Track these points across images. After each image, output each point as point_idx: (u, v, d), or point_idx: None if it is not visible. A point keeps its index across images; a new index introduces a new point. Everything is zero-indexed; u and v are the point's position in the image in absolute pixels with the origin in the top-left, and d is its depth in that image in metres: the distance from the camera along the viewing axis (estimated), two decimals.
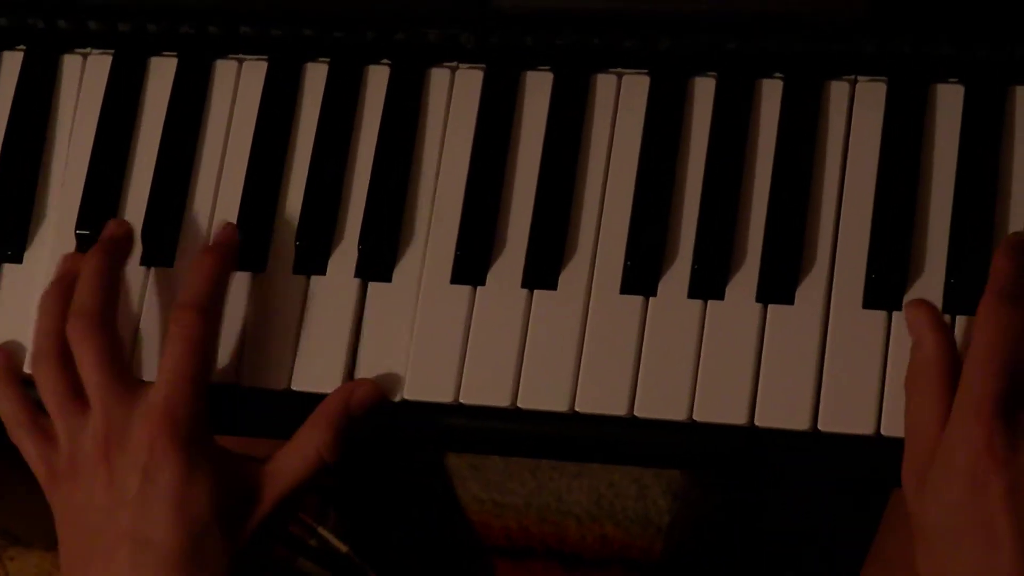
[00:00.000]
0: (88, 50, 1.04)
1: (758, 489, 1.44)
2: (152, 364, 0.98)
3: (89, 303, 0.95)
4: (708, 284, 0.94)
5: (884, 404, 0.90)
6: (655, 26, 0.97)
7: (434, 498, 1.49)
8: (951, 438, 0.84)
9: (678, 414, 0.93)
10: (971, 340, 0.86)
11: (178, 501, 0.91)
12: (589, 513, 1.48)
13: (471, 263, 0.96)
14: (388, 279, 0.98)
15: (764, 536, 1.44)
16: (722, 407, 0.92)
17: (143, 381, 0.95)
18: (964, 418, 0.83)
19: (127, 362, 0.97)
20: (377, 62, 1.01)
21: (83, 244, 1.01)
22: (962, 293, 0.90)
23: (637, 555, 1.47)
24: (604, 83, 0.98)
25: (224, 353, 0.97)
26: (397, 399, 0.96)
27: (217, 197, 1.01)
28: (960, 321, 0.91)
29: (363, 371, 0.97)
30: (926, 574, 0.85)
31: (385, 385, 0.96)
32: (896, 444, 0.89)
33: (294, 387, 0.97)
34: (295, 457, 0.94)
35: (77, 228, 1.01)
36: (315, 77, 1.01)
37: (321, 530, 1.19)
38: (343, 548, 1.19)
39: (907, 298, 0.91)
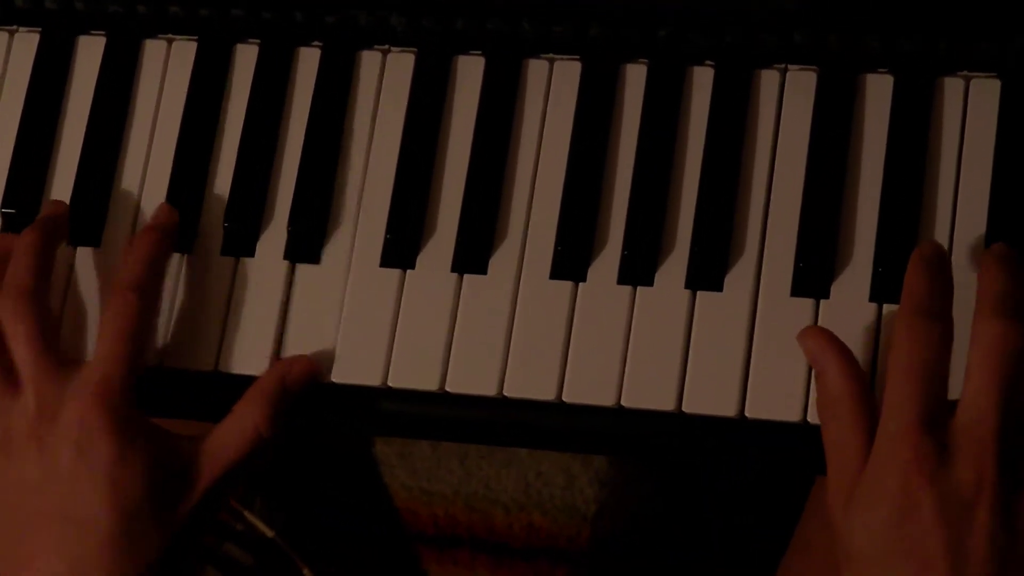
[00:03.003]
0: (15, 28, 1.03)
1: (685, 479, 1.45)
2: (76, 343, 0.97)
3: (21, 280, 0.94)
4: (637, 270, 0.94)
5: (811, 391, 0.91)
6: (586, 13, 0.97)
7: (361, 485, 1.49)
8: (877, 461, 0.83)
9: (606, 400, 0.93)
10: (889, 359, 0.85)
11: (111, 479, 0.91)
12: (517, 502, 1.48)
13: (401, 247, 0.96)
14: (317, 261, 0.97)
15: (690, 526, 1.45)
16: (650, 393, 0.92)
17: (75, 360, 0.94)
18: (890, 439, 0.83)
19: (59, 340, 0.96)
20: (308, 44, 1.00)
21: (8, 224, 1.00)
22: (889, 282, 0.91)
23: (564, 544, 1.47)
24: (536, 68, 0.98)
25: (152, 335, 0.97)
26: (325, 381, 0.95)
27: (145, 177, 1.00)
28: (887, 309, 0.91)
29: (291, 353, 0.96)
30: None
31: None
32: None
33: (222, 368, 0.96)
34: (232, 433, 0.94)
35: (2, 207, 1.00)
36: (245, 58, 1.01)
37: (247, 514, 1.18)
38: (269, 533, 1.19)
39: (835, 288, 0.92)
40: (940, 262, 0.88)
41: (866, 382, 0.87)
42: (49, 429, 0.92)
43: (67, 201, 0.99)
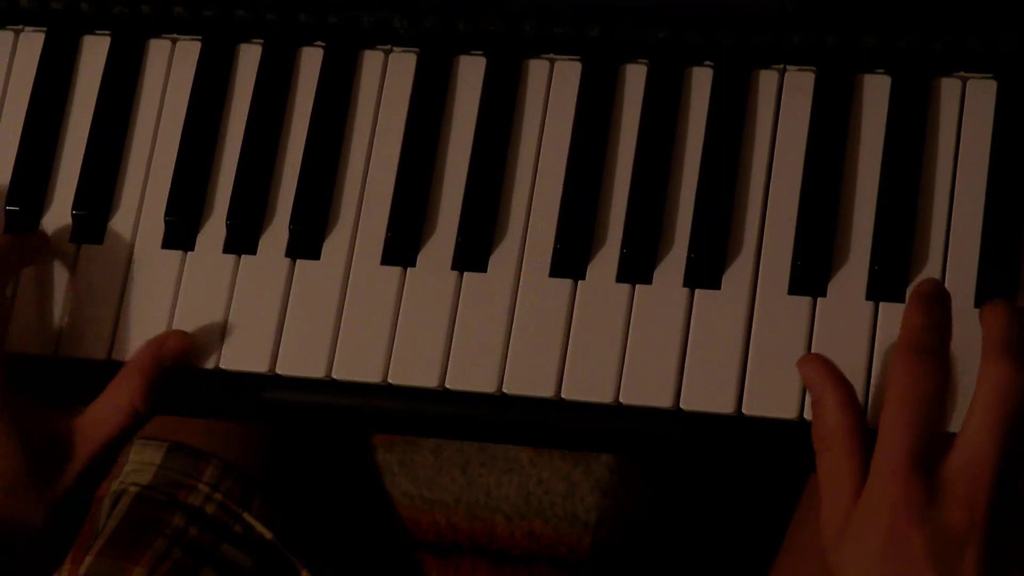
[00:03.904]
0: (20, 27, 1.04)
1: (683, 487, 1.45)
2: (83, 339, 0.98)
3: None
4: (636, 269, 0.94)
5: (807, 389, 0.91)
6: (586, 14, 0.98)
7: (362, 492, 1.50)
8: (870, 496, 0.84)
9: (604, 397, 0.93)
10: (886, 394, 0.85)
11: None
12: (517, 510, 1.48)
13: (401, 244, 0.97)
14: (318, 258, 0.98)
15: (688, 534, 1.45)
16: (648, 390, 0.93)
17: None
18: (882, 476, 0.83)
19: None
20: (311, 44, 1.01)
21: (12, 221, 1.00)
22: (886, 280, 0.92)
23: (565, 552, 1.48)
24: (536, 69, 0.99)
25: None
26: (325, 376, 0.96)
27: (148, 175, 1.01)
28: (883, 308, 0.92)
29: (289, 350, 0.97)
30: None
31: (314, 363, 0.96)
32: None
33: (223, 366, 0.97)
34: (108, 410, 0.95)
35: (7, 205, 1.01)
36: (249, 58, 1.02)
37: (246, 516, 1.19)
38: (268, 535, 1.19)
39: (831, 286, 0.92)
40: (939, 299, 0.88)
41: (861, 415, 0.87)
42: None
43: (70, 200, 1.00)
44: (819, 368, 0.89)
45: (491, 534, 1.49)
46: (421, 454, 1.49)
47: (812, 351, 0.91)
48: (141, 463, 1.19)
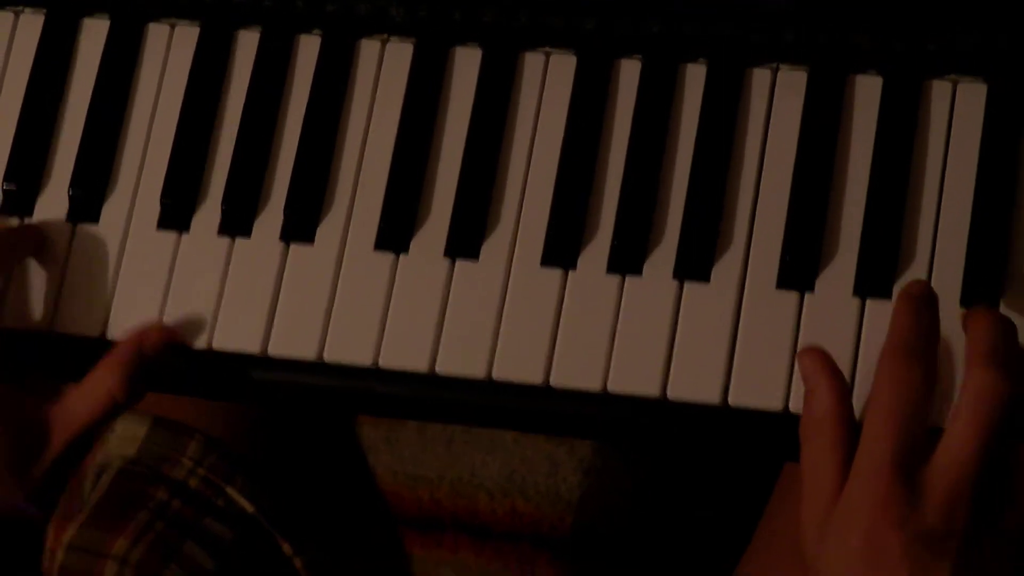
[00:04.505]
0: (20, 8, 1.05)
1: (666, 469, 1.46)
2: (77, 316, 0.99)
3: None
4: (627, 260, 0.96)
5: (793, 381, 0.92)
6: (583, 7, 0.99)
7: (347, 467, 1.51)
8: (851, 495, 0.84)
9: (593, 384, 0.94)
10: (870, 395, 0.86)
11: None
12: (501, 487, 1.49)
13: (395, 231, 0.98)
14: (311, 242, 0.99)
15: (670, 515, 1.46)
16: (635, 379, 0.94)
17: None
18: (864, 476, 0.84)
19: None
20: (309, 32, 1.02)
21: (8, 199, 1.01)
22: (873, 277, 0.93)
23: (547, 530, 1.49)
24: (532, 61, 1.00)
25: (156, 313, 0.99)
26: (316, 358, 0.97)
27: (145, 158, 1.02)
28: (870, 304, 0.93)
29: (281, 331, 0.98)
30: None
31: (306, 345, 0.97)
32: None
33: (215, 347, 0.98)
34: (87, 398, 0.96)
35: (4, 183, 1.01)
36: (247, 44, 1.02)
37: (229, 490, 1.20)
38: (250, 509, 1.20)
39: (820, 282, 0.93)
40: (927, 302, 0.89)
41: (852, 412, 0.88)
42: None
43: (67, 179, 1.01)
44: (817, 360, 0.89)
45: (474, 511, 1.50)
46: (406, 431, 1.50)
47: (799, 345, 0.93)
48: (126, 436, 1.20)
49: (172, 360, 0.98)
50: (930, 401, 0.86)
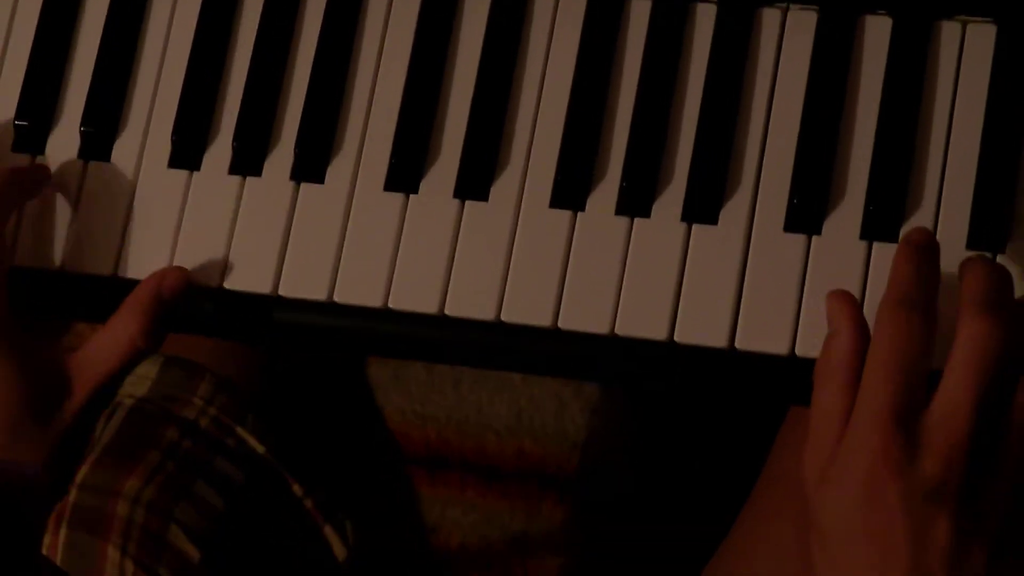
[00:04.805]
0: None
1: (673, 409, 1.47)
2: (88, 254, 1.00)
3: None
4: (635, 202, 0.96)
5: (800, 326, 0.93)
6: None
7: (355, 406, 1.51)
8: (850, 443, 0.85)
9: (600, 327, 0.95)
10: (870, 344, 0.86)
11: None
12: (508, 427, 1.50)
13: (405, 171, 0.98)
14: (322, 182, 0.99)
15: (676, 457, 1.47)
16: (643, 322, 0.94)
17: None
18: (863, 425, 0.84)
19: None
20: None
21: (21, 135, 1.02)
22: (880, 220, 0.93)
23: (553, 470, 1.49)
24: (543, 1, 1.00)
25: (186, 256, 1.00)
26: (326, 299, 0.98)
27: (157, 95, 1.02)
28: (876, 248, 0.93)
29: (292, 272, 0.98)
30: (820, 570, 0.86)
31: (316, 286, 0.98)
32: (808, 364, 0.91)
33: (226, 285, 0.99)
34: (108, 345, 0.96)
35: (16, 119, 1.02)
36: None
37: (239, 430, 1.21)
38: (260, 449, 1.21)
39: (827, 225, 0.94)
40: (928, 250, 0.89)
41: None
42: None
43: (79, 114, 1.01)
44: (844, 304, 0.89)
45: (481, 451, 1.51)
46: (413, 370, 1.51)
47: (807, 288, 0.93)
48: (136, 375, 1.21)
49: (185, 300, 0.98)
50: (929, 351, 0.86)
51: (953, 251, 0.91)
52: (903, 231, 0.93)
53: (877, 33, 0.96)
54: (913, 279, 0.87)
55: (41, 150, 1.02)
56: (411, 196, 0.98)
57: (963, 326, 0.85)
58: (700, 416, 1.46)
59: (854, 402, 0.86)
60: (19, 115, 1.02)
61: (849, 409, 0.86)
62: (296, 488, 1.23)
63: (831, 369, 0.88)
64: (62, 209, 1.00)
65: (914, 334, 0.85)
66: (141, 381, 1.21)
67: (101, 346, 0.96)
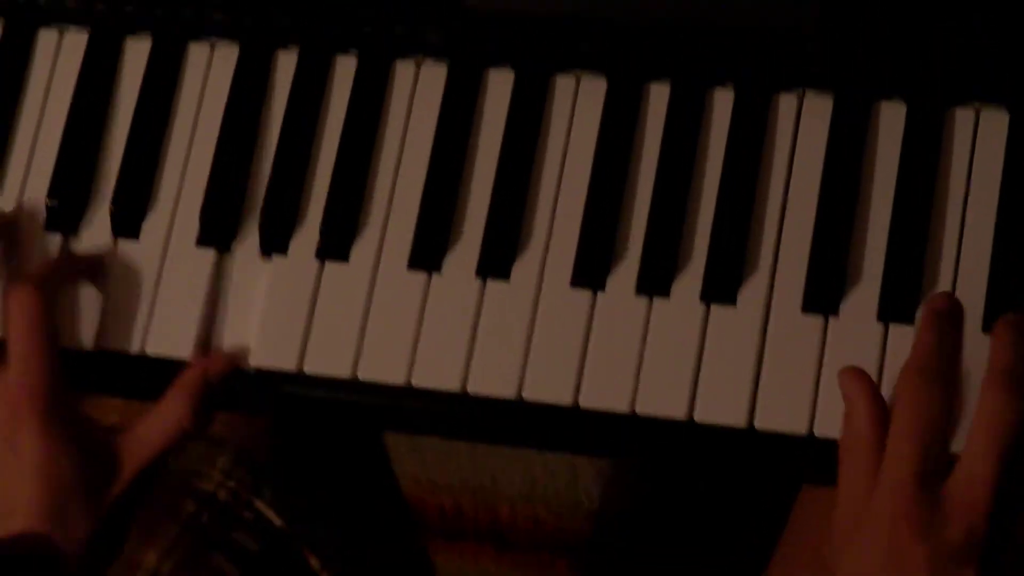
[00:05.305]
0: (66, 27, 1.07)
1: (687, 479, 1.48)
2: (118, 331, 1.02)
3: None
4: (655, 282, 0.97)
5: (818, 405, 0.94)
6: (613, 32, 1.01)
7: (371, 475, 1.52)
8: (875, 509, 0.87)
9: (621, 406, 0.96)
10: (893, 410, 0.89)
11: (41, 472, 0.95)
12: (522, 495, 1.51)
13: (428, 250, 1.00)
14: (346, 261, 1.01)
15: (686, 525, 1.48)
16: (663, 401, 0.96)
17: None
18: (888, 490, 0.87)
19: None
20: (345, 52, 1.04)
21: (53, 217, 1.04)
22: (897, 302, 0.95)
23: (566, 537, 1.50)
24: (563, 84, 1.02)
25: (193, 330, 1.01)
26: (350, 376, 0.99)
27: (185, 175, 1.04)
28: (893, 329, 0.95)
29: (315, 348, 1.00)
30: None
31: (341, 362, 0.99)
32: (827, 444, 0.93)
33: (252, 363, 1.00)
34: (156, 427, 0.98)
35: (48, 199, 1.04)
36: (285, 63, 1.04)
37: (257, 503, 1.22)
38: (277, 521, 1.22)
39: (844, 306, 0.95)
40: (952, 318, 0.91)
41: (886, 431, 0.90)
42: None
43: (110, 195, 1.03)
44: (858, 379, 0.91)
45: (495, 518, 1.52)
46: (430, 439, 1.51)
47: (824, 368, 0.95)
48: None
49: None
50: (950, 418, 0.88)
51: (969, 333, 0.93)
52: (923, 305, 0.94)
53: (892, 118, 0.98)
54: (935, 348, 0.90)
55: (73, 229, 1.04)
56: (434, 274, 1.00)
57: (986, 396, 0.87)
58: (714, 487, 1.47)
59: (875, 476, 0.88)
60: (51, 194, 1.04)
61: (871, 482, 0.88)
62: (313, 561, 1.24)
63: (853, 443, 0.90)
64: (92, 287, 1.02)
65: (934, 402, 0.88)
66: None
67: (150, 427, 0.98)
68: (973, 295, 0.94)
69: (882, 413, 0.90)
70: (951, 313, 0.91)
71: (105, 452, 0.97)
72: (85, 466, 0.96)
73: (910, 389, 0.88)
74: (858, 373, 0.92)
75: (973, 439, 0.87)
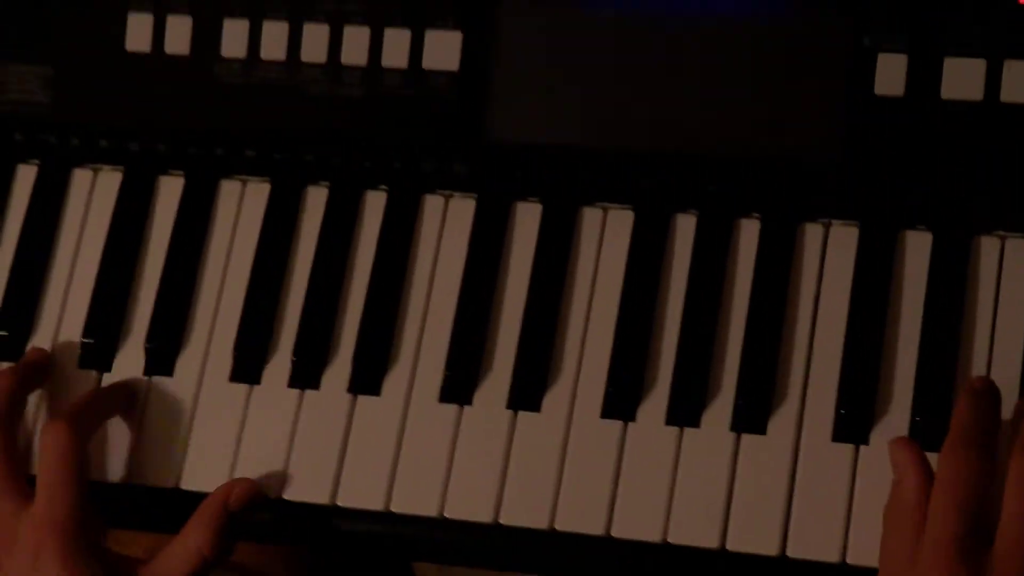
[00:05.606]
0: (99, 166, 1.09)
1: None
2: (152, 467, 1.03)
3: None
4: (685, 412, 0.98)
5: (850, 533, 0.95)
6: (639, 164, 1.02)
7: None
8: (919, 572, 0.88)
9: (653, 536, 0.97)
10: (934, 484, 0.90)
11: None
12: None
13: (459, 384, 1.01)
14: (378, 394, 1.02)
15: None
16: (695, 531, 0.96)
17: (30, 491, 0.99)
18: (930, 562, 0.88)
19: (21, 469, 1.01)
20: (375, 188, 1.05)
21: (87, 354, 1.05)
22: (927, 430, 0.95)
23: None
24: (590, 216, 1.03)
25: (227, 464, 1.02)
26: (383, 509, 1.00)
27: (218, 312, 1.05)
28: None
29: (348, 482, 1.00)
30: None
31: (373, 495, 1.00)
32: (860, 572, 0.93)
33: (285, 496, 1.01)
34: (177, 556, 0.99)
35: (83, 338, 1.05)
36: (315, 199, 1.06)
37: None
38: None
39: (874, 434, 0.96)
40: (989, 397, 0.93)
41: None
42: (7, 557, 0.97)
43: (144, 333, 1.04)
44: (908, 453, 0.92)
45: None
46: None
47: (855, 496, 0.95)
48: None
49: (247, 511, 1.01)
50: (991, 489, 0.89)
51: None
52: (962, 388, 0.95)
53: (917, 247, 0.99)
54: (973, 422, 0.91)
55: (107, 367, 1.05)
56: (465, 407, 1.01)
57: (1013, 463, 0.89)
58: None
59: (921, 542, 0.89)
60: (86, 333, 1.05)
61: (916, 549, 0.89)
62: None
63: (897, 513, 0.91)
64: (128, 424, 1.03)
65: (973, 472, 0.89)
66: None
67: (171, 556, 0.99)
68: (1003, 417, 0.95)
69: (929, 483, 0.91)
70: (986, 391, 0.93)
71: None
72: None
73: (950, 460, 0.90)
74: (908, 443, 0.93)
75: (1006, 503, 0.88)
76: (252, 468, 1.02)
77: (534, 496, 0.98)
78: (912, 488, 0.91)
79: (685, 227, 1.02)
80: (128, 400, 1.04)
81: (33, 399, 1.05)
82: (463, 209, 1.04)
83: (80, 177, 1.09)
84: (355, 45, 1.05)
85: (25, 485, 1.00)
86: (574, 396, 1.00)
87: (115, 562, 0.99)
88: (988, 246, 0.98)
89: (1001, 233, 0.98)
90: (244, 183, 1.07)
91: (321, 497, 1.01)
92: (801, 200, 1.00)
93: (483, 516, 0.99)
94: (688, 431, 0.98)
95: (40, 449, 0.99)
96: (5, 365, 1.05)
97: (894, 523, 0.92)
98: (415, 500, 1.00)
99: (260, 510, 1.01)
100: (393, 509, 1.00)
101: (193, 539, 0.98)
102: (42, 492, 0.98)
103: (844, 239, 1.00)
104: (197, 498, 1.00)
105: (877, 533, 0.93)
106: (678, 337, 1.00)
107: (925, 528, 0.89)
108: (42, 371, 1.05)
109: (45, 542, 0.96)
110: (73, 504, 0.97)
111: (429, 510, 0.99)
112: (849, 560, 0.94)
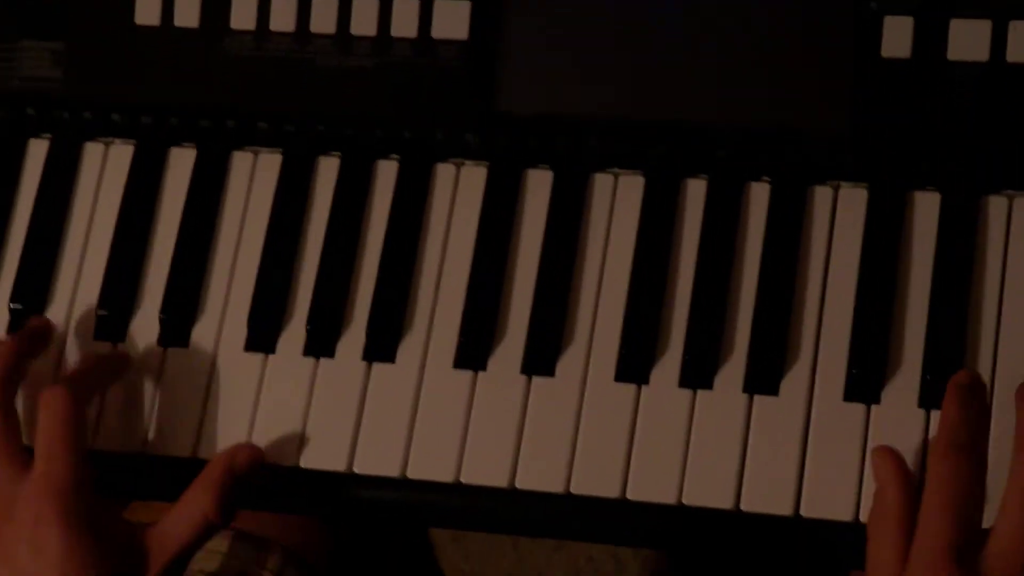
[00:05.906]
0: (111, 140, 1.09)
1: (732, 570, 1.48)
2: (169, 437, 1.03)
3: None
4: (698, 374, 0.99)
5: (863, 491, 0.95)
6: (650, 131, 1.03)
7: (415, 568, 1.53)
8: None
9: (668, 497, 0.97)
10: (925, 486, 0.90)
11: (64, 569, 0.95)
12: None
13: (473, 349, 1.01)
14: (393, 361, 1.02)
15: None
16: (709, 492, 0.97)
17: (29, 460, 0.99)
18: (921, 565, 0.88)
19: (19, 438, 1.01)
20: (386, 157, 1.06)
21: (102, 326, 1.06)
22: (938, 388, 0.96)
23: None
24: (601, 182, 1.04)
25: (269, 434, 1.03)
26: (399, 475, 1.00)
27: (232, 282, 1.06)
28: (935, 416, 0.96)
29: (364, 449, 1.01)
30: None
31: (389, 462, 1.01)
32: None
33: (302, 464, 1.02)
34: (182, 520, 0.99)
35: (98, 310, 1.06)
36: (327, 169, 1.06)
37: None
38: None
39: (885, 394, 0.97)
40: (975, 391, 0.93)
41: (915, 511, 0.91)
42: (6, 525, 0.97)
43: (158, 304, 1.05)
44: (889, 460, 0.93)
45: None
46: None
47: (867, 456, 0.96)
48: (208, 550, 1.22)
49: (260, 478, 1.01)
50: (981, 490, 0.89)
51: (1004, 402, 0.94)
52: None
53: (926, 208, 0.99)
54: (961, 420, 0.91)
55: (122, 338, 1.06)
56: (479, 373, 1.01)
57: (1015, 466, 0.89)
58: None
59: (905, 552, 0.89)
60: (101, 304, 1.06)
61: (904, 556, 0.89)
62: None
63: (885, 520, 0.91)
64: (143, 394, 1.04)
65: (963, 474, 0.89)
66: (212, 556, 1.22)
67: (175, 521, 0.99)
68: (1012, 375, 0.95)
69: (912, 491, 0.91)
70: (973, 387, 0.93)
71: (131, 548, 0.98)
72: (111, 565, 0.97)
73: (939, 463, 0.90)
74: (888, 452, 0.93)
75: (1005, 507, 0.88)
76: (268, 437, 1.02)
77: (549, 460, 0.99)
78: (893, 500, 0.91)
79: (696, 192, 1.02)
80: (125, 366, 1.04)
81: (48, 372, 1.05)
82: (475, 177, 1.05)
83: (92, 151, 1.09)
84: (364, 15, 1.06)
85: (24, 452, 1.00)
86: (588, 360, 1.01)
87: (118, 527, 0.99)
88: (996, 205, 0.99)
89: (1009, 192, 0.99)
90: (256, 154, 1.08)
91: (337, 465, 1.01)
92: (810, 163, 1.01)
93: (499, 481, 1.00)
94: (701, 393, 0.99)
95: (40, 415, 0.99)
96: None
97: (880, 532, 0.91)
98: (431, 466, 1.01)
99: (276, 477, 1.02)
100: (409, 475, 1.01)
101: (198, 503, 0.99)
102: (40, 457, 0.98)
103: (853, 201, 1.00)
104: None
105: None
106: (690, 300, 1.00)
107: (915, 533, 0.89)
108: (43, 340, 1.05)
109: (44, 508, 0.96)
110: (72, 469, 0.97)
111: (445, 476, 1.00)
112: (862, 518, 0.95)
